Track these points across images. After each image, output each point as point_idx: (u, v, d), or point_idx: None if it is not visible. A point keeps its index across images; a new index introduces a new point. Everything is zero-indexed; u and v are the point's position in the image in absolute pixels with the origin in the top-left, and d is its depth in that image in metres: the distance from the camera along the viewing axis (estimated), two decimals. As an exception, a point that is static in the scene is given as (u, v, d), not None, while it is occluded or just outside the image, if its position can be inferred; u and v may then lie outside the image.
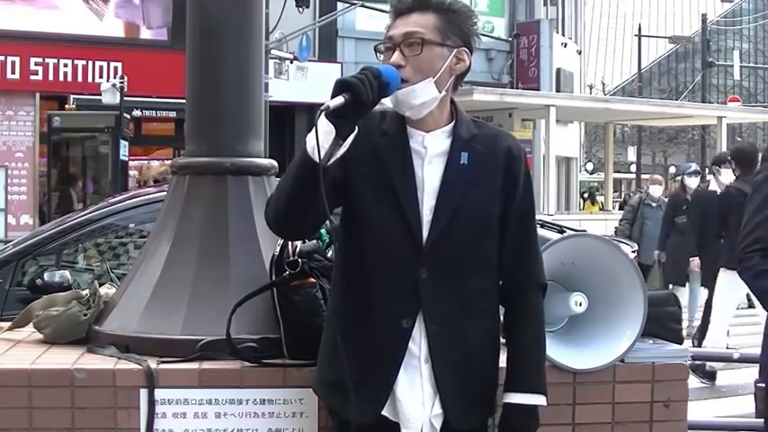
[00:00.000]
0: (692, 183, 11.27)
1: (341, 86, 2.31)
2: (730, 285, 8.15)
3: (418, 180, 2.47)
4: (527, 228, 2.58)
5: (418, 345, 2.46)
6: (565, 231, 6.73)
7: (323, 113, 2.29)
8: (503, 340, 2.63)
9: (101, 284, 3.44)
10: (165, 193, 3.61)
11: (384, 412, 2.46)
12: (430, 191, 2.47)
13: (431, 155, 2.49)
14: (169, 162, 3.71)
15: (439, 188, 2.46)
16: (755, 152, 8.65)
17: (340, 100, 2.29)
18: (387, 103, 2.45)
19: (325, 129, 2.30)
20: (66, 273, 4.83)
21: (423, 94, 2.44)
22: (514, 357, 2.57)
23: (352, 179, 2.45)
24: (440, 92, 2.47)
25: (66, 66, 19.37)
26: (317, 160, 2.29)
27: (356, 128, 2.35)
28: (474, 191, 2.48)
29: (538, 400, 2.55)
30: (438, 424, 2.47)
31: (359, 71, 2.37)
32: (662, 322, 3.18)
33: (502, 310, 2.63)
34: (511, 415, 2.54)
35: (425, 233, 2.45)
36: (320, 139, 2.28)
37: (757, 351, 3.28)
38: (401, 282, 2.45)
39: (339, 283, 2.55)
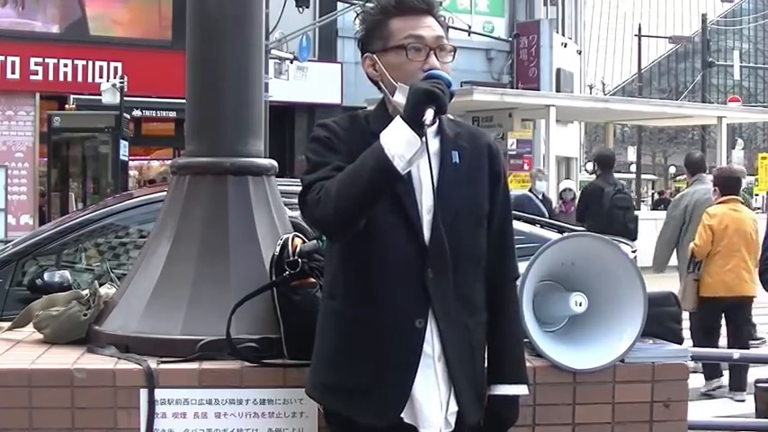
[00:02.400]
0: None
1: (426, 98, 2.30)
2: None
3: (415, 180, 2.48)
4: (507, 223, 2.64)
5: (431, 344, 2.47)
6: (565, 231, 6.73)
7: (425, 126, 2.29)
8: None
9: (101, 284, 3.43)
10: (164, 193, 3.62)
11: (401, 414, 2.46)
12: (427, 191, 2.48)
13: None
14: (169, 162, 3.71)
15: (436, 188, 2.48)
16: (613, 156, 11.97)
17: (431, 113, 2.30)
18: (400, 101, 2.40)
19: (411, 140, 2.30)
20: (66, 273, 4.83)
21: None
22: (499, 350, 2.62)
23: None
24: None
25: (66, 66, 19.36)
26: (399, 168, 2.29)
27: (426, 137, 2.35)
28: (467, 189, 2.52)
29: (521, 390, 2.62)
30: (452, 421, 2.50)
31: (429, 81, 2.35)
32: (662, 322, 3.18)
33: None
34: (498, 406, 2.59)
35: (427, 233, 2.47)
36: (403, 149, 2.29)
37: (757, 351, 3.30)
38: (409, 282, 2.46)
39: (339, 284, 2.54)
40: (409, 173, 2.44)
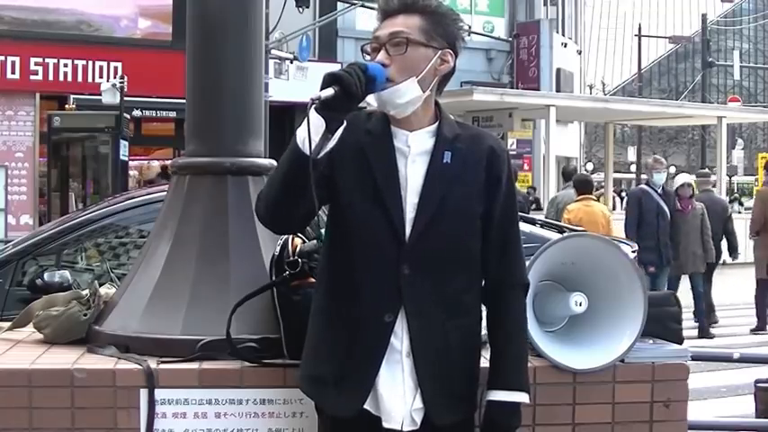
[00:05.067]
0: None
1: (330, 79, 2.37)
2: None
3: (402, 178, 2.51)
4: (510, 227, 2.62)
5: (400, 339, 2.49)
6: (565, 231, 6.74)
7: (313, 105, 2.35)
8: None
9: (101, 284, 3.43)
10: (164, 193, 3.62)
11: (366, 406, 2.50)
12: (413, 188, 2.51)
13: (414, 153, 2.53)
14: (169, 162, 3.71)
15: (422, 186, 2.51)
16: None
17: (330, 92, 2.35)
18: (371, 102, 2.51)
19: (316, 122, 2.37)
20: (66, 273, 4.83)
21: (407, 93, 2.50)
22: (498, 356, 2.61)
23: (338, 176, 2.50)
24: (423, 91, 2.52)
25: (66, 66, 19.36)
26: (308, 153, 2.35)
27: (344, 122, 2.42)
28: (457, 189, 2.52)
29: (521, 397, 2.60)
30: (418, 418, 2.50)
31: (346, 66, 2.43)
32: (662, 322, 3.18)
33: (484, 309, 2.66)
34: (495, 412, 2.58)
35: (408, 229, 2.49)
36: (311, 132, 2.35)
37: (757, 351, 3.29)
38: (384, 277, 2.49)
39: (324, 279, 2.60)
40: (396, 170, 2.51)
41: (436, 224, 2.50)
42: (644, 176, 14.04)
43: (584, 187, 10.77)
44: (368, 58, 2.54)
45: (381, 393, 2.49)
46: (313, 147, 2.35)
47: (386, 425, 2.49)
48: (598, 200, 11.19)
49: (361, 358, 2.48)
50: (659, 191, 10.84)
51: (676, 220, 10.98)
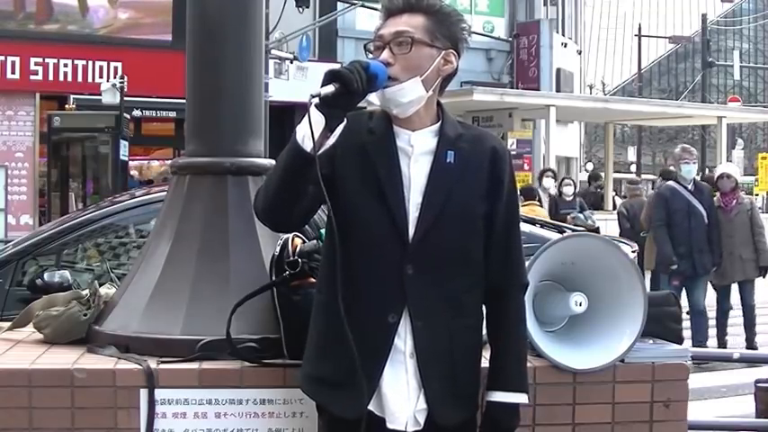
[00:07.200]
0: None
1: (331, 76, 2.37)
2: None
3: (405, 177, 2.51)
4: (512, 228, 2.63)
5: (404, 340, 2.49)
6: (565, 231, 6.74)
7: (313, 101, 2.35)
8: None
9: (101, 284, 3.43)
10: (164, 193, 3.62)
11: (370, 407, 2.49)
12: (416, 188, 2.50)
13: (417, 153, 2.53)
14: (169, 162, 3.71)
15: (425, 186, 2.50)
16: None
17: (330, 88, 2.35)
18: (374, 100, 2.51)
19: (316, 119, 2.36)
20: (66, 273, 4.83)
21: (410, 93, 2.49)
22: (499, 357, 2.61)
23: (340, 175, 2.50)
24: (427, 91, 2.52)
25: (66, 66, 19.35)
26: (308, 149, 2.35)
27: (345, 119, 2.41)
28: (460, 189, 2.52)
29: (520, 398, 2.60)
30: (422, 419, 2.50)
31: (348, 63, 2.43)
32: (662, 322, 3.18)
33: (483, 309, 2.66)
34: (495, 413, 2.58)
35: (412, 230, 2.49)
36: (312, 130, 2.34)
37: (758, 351, 3.28)
38: (387, 277, 2.48)
39: (325, 278, 2.58)
40: (399, 170, 2.50)
41: (439, 224, 2.49)
42: (646, 176, 13.97)
43: (529, 194, 12.61)
44: (371, 56, 2.54)
45: (385, 394, 2.49)
46: (312, 143, 2.35)
47: (390, 425, 2.49)
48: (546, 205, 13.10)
49: (366, 359, 2.46)
50: (690, 186, 9.37)
51: (718, 218, 9.46)
